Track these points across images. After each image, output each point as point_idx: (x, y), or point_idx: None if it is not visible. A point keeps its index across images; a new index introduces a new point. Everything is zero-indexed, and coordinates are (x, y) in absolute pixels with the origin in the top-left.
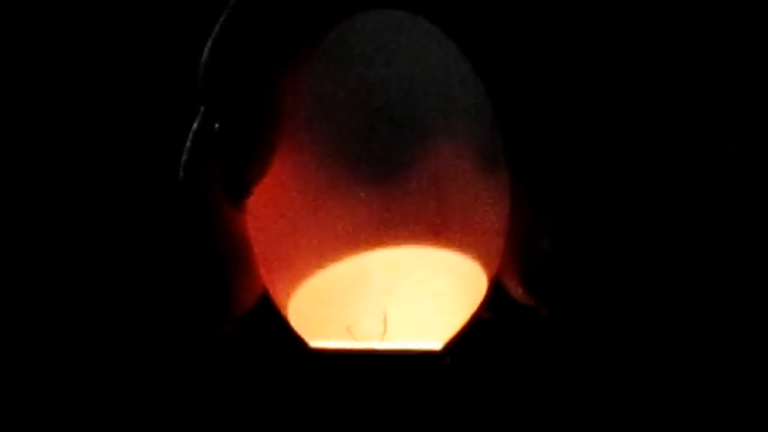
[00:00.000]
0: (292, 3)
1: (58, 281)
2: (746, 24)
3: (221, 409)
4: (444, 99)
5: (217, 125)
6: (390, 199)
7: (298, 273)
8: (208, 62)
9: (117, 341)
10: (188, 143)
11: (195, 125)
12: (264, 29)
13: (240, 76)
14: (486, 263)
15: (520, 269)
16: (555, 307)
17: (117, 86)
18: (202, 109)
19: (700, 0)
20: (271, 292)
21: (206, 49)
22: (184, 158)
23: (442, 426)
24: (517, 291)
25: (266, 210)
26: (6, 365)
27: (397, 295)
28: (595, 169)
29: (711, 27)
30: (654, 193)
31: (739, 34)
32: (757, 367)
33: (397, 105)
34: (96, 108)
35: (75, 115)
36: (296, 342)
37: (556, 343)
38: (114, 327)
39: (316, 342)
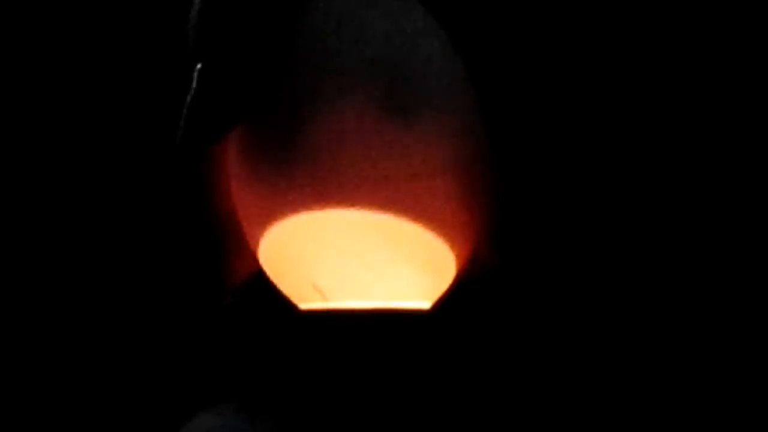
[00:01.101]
0: None
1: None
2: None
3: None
4: (336, 55)
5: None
6: (288, 169)
7: (252, 249)
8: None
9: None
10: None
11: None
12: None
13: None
14: (413, 211)
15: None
16: (512, 259)
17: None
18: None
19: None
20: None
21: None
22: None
23: (427, 383)
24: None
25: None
26: None
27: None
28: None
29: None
30: (625, 156)
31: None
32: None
33: (303, 67)
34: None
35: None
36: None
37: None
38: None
39: (303, 304)
